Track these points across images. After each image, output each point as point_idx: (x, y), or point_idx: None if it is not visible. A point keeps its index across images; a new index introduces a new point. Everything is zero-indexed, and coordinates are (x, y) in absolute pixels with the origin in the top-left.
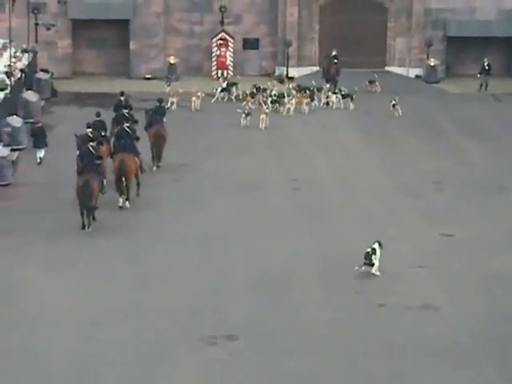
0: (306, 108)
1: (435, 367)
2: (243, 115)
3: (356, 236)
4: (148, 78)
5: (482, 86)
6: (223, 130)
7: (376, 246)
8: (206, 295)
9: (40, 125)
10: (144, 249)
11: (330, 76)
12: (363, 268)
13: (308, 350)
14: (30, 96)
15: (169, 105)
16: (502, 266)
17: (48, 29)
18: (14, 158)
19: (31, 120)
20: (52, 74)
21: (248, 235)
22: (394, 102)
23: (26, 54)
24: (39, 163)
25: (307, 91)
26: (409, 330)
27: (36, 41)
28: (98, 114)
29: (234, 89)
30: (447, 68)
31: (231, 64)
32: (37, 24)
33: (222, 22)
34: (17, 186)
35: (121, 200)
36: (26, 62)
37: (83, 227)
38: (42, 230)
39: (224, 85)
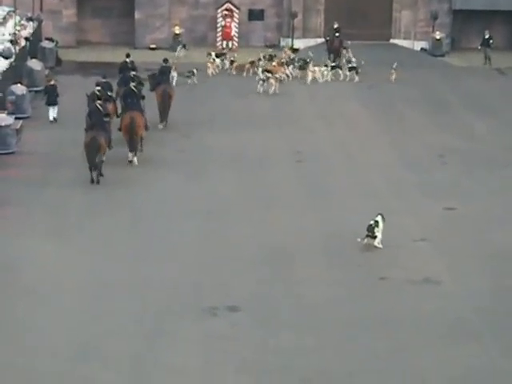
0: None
1: (436, 341)
2: (260, 81)
3: (359, 210)
4: (153, 48)
5: (486, 59)
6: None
7: (379, 218)
8: (208, 268)
9: (53, 83)
10: (146, 222)
11: (333, 48)
12: (366, 240)
13: (309, 324)
14: (35, 64)
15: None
16: (505, 240)
17: None
18: (18, 126)
19: (35, 88)
20: (57, 42)
21: (250, 209)
22: (393, 69)
23: (31, 23)
24: (52, 121)
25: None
26: (410, 304)
27: (41, 9)
28: (104, 76)
29: (222, 59)
30: (452, 41)
31: (236, 35)
32: None
33: None
34: (20, 154)
35: (130, 155)
36: (31, 31)
37: (92, 181)
38: (45, 199)
39: (213, 55)
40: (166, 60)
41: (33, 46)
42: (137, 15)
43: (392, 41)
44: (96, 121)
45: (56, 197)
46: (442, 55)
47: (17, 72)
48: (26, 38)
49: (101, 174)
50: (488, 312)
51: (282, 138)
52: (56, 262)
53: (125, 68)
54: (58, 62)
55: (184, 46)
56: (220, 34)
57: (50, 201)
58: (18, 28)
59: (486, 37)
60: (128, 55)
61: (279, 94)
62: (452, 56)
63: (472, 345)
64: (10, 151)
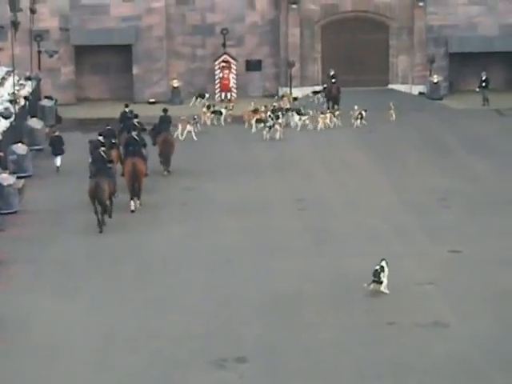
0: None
1: None
2: (266, 128)
3: (364, 254)
4: (152, 102)
5: (484, 100)
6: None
7: (384, 263)
8: (216, 318)
9: (57, 134)
10: (152, 273)
11: (331, 96)
12: (372, 286)
13: (318, 371)
14: (35, 123)
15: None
16: (511, 281)
17: (51, 56)
18: (20, 185)
19: (36, 147)
20: (56, 100)
21: (255, 257)
22: (391, 109)
23: (30, 82)
24: (57, 170)
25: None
26: (419, 348)
27: (39, 68)
28: (108, 124)
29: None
30: (450, 84)
31: (234, 86)
32: (39, 51)
33: (224, 45)
34: (23, 213)
35: (132, 203)
36: (30, 90)
37: (98, 225)
38: (50, 256)
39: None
40: (165, 110)
41: (32, 105)
42: (135, 70)
43: (390, 86)
44: (100, 167)
45: (61, 253)
46: (441, 98)
47: (17, 131)
48: (25, 97)
49: (103, 223)
50: (496, 353)
51: (283, 185)
52: (65, 318)
53: (125, 117)
54: (58, 119)
55: (202, 96)
56: (218, 85)
57: (55, 257)
58: (16, 88)
59: (483, 78)
60: (127, 105)
61: (280, 141)
62: (450, 99)
63: None
64: (13, 211)
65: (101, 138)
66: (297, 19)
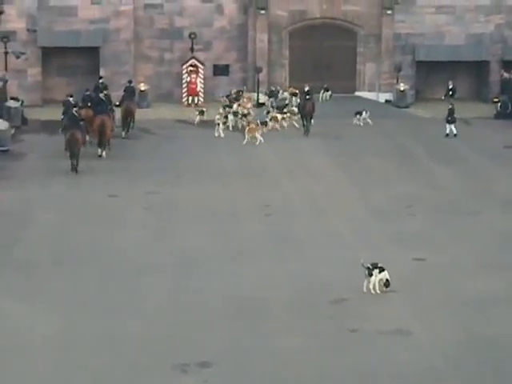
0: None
1: None
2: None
3: (329, 261)
4: (118, 105)
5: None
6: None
7: (386, 273)
8: (179, 322)
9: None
10: (115, 276)
11: (305, 112)
12: (365, 264)
13: (281, 378)
14: (0, 124)
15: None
16: (474, 290)
17: (18, 57)
18: None
19: (1, 148)
20: (22, 102)
21: (220, 262)
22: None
23: None
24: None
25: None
26: (382, 356)
27: (6, 69)
28: (87, 90)
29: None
30: (417, 92)
31: (202, 90)
32: (6, 52)
33: (192, 49)
34: None
35: (100, 150)
36: None
37: (72, 169)
38: (11, 259)
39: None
40: (130, 81)
41: None
42: (102, 73)
43: (357, 93)
44: (73, 124)
45: (23, 256)
46: (407, 106)
47: None
48: None
49: (77, 168)
50: (460, 362)
51: (249, 192)
52: (26, 320)
53: (97, 88)
54: (24, 121)
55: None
56: (186, 89)
57: (17, 260)
58: None
59: (450, 87)
60: (100, 77)
61: (244, 147)
62: (416, 107)
63: None
64: None
65: (71, 98)
66: (265, 25)
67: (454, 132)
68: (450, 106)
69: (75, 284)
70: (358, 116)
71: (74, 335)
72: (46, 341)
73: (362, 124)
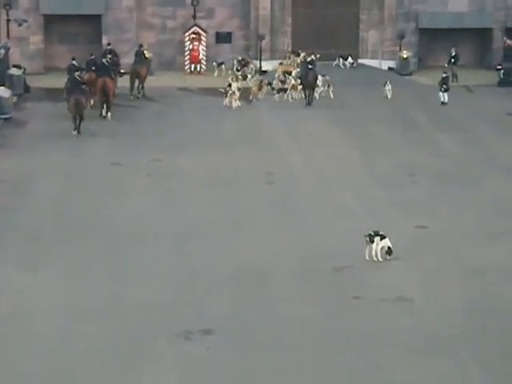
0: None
1: (412, 359)
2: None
3: (332, 229)
4: (122, 74)
5: (453, 76)
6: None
7: (387, 241)
8: (182, 290)
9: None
10: (118, 245)
11: (307, 83)
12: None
13: (284, 345)
14: (3, 92)
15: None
16: (477, 257)
17: (20, 25)
18: None
19: (4, 116)
20: (24, 69)
21: (223, 230)
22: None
23: None
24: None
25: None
26: (384, 323)
27: (8, 37)
28: (92, 54)
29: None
30: (419, 60)
31: (204, 58)
32: (8, 20)
33: (194, 17)
34: None
35: (103, 111)
36: None
37: (74, 129)
38: (16, 226)
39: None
40: (141, 45)
41: (0, 74)
42: (104, 40)
43: (359, 60)
44: (76, 87)
45: (27, 225)
46: (410, 74)
47: None
48: None
49: (80, 129)
50: (462, 328)
51: (252, 160)
52: (29, 289)
53: (105, 52)
54: (27, 88)
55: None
56: (188, 57)
57: (22, 228)
58: None
59: (453, 54)
60: (109, 43)
61: (248, 115)
62: (419, 74)
63: (447, 361)
64: None
65: (74, 62)
66: None
67: (446, 100)
68: (444, 75)
69: (78, 252)
70: (386, 86)
71: (77, 303)
72: (49, 309)
73: (388, 93)
